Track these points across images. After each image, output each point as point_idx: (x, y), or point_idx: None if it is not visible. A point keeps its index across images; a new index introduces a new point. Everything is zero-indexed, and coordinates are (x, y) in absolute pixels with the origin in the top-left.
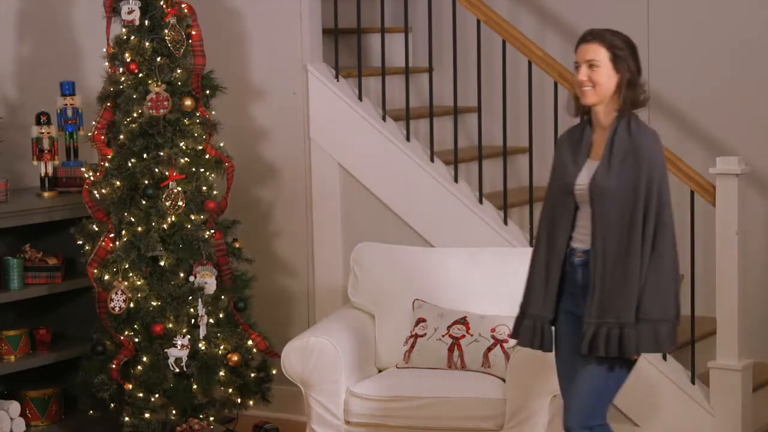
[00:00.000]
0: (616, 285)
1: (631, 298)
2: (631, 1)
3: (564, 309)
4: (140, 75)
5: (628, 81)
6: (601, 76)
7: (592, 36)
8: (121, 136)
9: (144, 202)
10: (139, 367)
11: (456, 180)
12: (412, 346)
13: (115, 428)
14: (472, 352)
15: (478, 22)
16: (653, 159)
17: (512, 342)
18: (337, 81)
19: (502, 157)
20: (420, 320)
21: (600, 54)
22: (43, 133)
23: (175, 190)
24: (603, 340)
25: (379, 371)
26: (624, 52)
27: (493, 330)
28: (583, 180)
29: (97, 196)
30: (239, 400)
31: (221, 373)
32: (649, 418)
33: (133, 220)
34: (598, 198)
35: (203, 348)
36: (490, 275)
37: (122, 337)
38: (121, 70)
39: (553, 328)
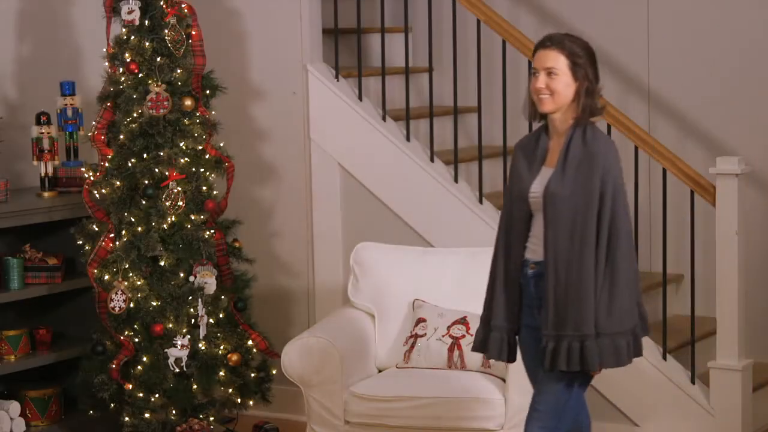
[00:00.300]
0: (571, 296)
1: (588, 309)
2: (631, 1)
3: (524, 323)
4: (140, 75)
5: (587, 89)
6: (560, 84)
7: (551, 42)
8: (121, 136)
9: (144, 202)
10: (139, 367)
11: (456, 180)
12: (412, 346)
13: (115, 428)
14: (472, 351)
15: (478, 22)
16: (607, 167)
17: None
18: (337, 81)
19: (502, 157)
20: (420, 320)
21: (559, 62)
22: (43, 133)
23: (175, 190)
24: (564, 354)
25: (379, 371)
26: (583, 60)
27: None
28: (537, 187)
29: (97, 196)
30: (239, 400)
31: (221, 373)
32: (649, 418)
33: (133, 220)
34: (551, 205)
35: (203, 348)
36: None
37: (122, 337)
38: (121, 70)
39: (517, 338)
